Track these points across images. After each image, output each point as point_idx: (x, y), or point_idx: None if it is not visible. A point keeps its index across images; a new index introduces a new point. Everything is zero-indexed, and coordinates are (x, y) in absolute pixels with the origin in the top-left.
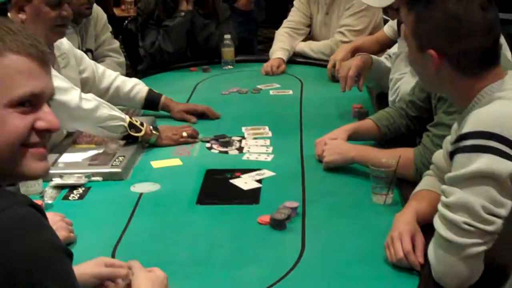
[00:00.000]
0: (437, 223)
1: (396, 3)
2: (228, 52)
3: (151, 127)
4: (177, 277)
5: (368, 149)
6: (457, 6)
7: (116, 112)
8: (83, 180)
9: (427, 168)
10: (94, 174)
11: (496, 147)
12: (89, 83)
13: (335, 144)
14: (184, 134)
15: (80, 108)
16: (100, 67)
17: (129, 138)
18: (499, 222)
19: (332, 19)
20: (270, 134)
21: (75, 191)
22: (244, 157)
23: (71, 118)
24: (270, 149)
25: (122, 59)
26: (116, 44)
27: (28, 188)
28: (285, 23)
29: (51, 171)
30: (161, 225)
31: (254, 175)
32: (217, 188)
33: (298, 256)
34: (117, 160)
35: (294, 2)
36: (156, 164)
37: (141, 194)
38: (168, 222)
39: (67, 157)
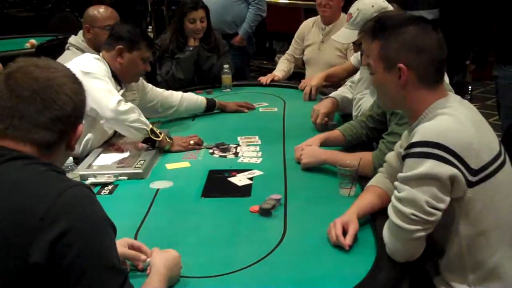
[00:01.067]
0: (390, 211)
1: (358, 40)
2: (226, 78)
3: (166, 137)
4: (186, 255)
5: (336, 153)
6: (416, 27)
7: (143, 118)
8: (112, 179)
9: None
10: (121, 174)
11: (439, 154)
12: (159, 106)
13: (310, 149)
14: (192, 142)
15: (117, 109)
16: (164, 91)
17: (149, 141)
18: (439, 214)
19: (325, 47)
20: (259, 142)
21: (105, 188)
22: (239, 160)
23: (107, 113)
24: (260, 154)
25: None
26: None
27: None
28: (286, 53)
29: (87, 172)
30: (173, 214)
31: (247, 174)
32: (217, 184)
33: (281, 237)
34: (139, 163)
35: (294, 39)
36: (169, 166)
37: (158, 189)
38: (179, 212)
39: (99, 161)
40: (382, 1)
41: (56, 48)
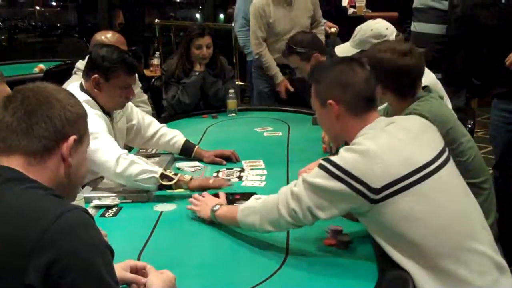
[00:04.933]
0: (281, 191)
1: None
2: (232, 103)
3: (185, 175)
4: (189, 277)
5: None
6: (341, 67)
7: (148, 167)
8: (116, 202)
9: None
10: (125, 197)
11: (334, 172)
12: (133, 130)
13: None
14: (211, 181)
15: (116, 171)
16: (148, 118)
17: (165, 187)
18: (315, 220)
19: (294, 11)
20: (263, 166)
21: (110, 210)
22: (243, 184)
23: (110, 176)
24: (264, 177)
25: (149, 108)
26: (145, 97)
27: None
28: (256, 40)
29: (91, 194)
30: (176, 236)
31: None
32: None
33: (283, 259)
34: None
35: (254, 21)
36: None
37: (161, 212)
38: (182, 234)
39: (104, 184)
40: (384, 29)
41: (63, 73)
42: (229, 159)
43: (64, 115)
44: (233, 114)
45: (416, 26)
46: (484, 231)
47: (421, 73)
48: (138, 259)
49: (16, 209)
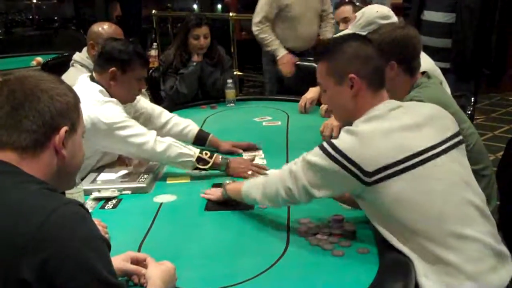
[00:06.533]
0: (283, 168)
1: None
2: (230, 93)
3: (220, 157)
4: (189, 268)
5: None
6: (356, 43)
7: (185, 150)
8: (116, 193)
9: None
10: (125, 189)
11: (330, 152)
12: (142, 119)
13: None
14: (249, 172)
15: (154, 150)
16: (158, 108)
17: (200, 169)
18: (309, 198)
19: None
20: (263, 156)
21: (109, 202)
22: None
23: (148, 157)
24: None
25: (147, 99)
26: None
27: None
28: (260, 22)
29: (91, 187)
30: (176, 227)
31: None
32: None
33: (284, 249)
34: (142, 177)
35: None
36: (169, 180)
37: (161, 203)
38: (182, 225)
39: (103, 176)
40: (387, 10)
41: (61, 65)
42: (246, 150)
43: (53, 106)
44: (231, 104)
45: (426, 15)
46: (484, 219)
47: (420, 43)
48: (139, 250)
49: (9, 205)
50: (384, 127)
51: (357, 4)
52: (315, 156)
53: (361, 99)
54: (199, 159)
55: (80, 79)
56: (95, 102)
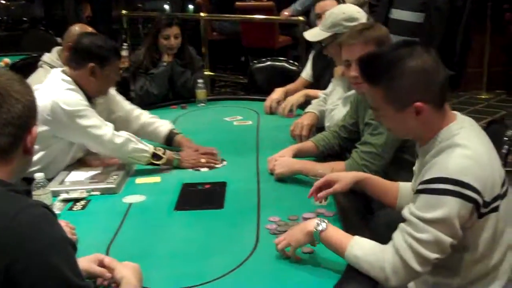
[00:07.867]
0: (404, 251)
1: (325, 40)
2: (201, 93)
3: (173, 153)
4: (158, 267)
5: (309, 163)
6: (414, 61)
7: (141, 145)
8: (84, 194)
9: None
10: (93, 190)
11: (461, 192)
12: (118, 121)
13: (283, 160)
14: (203, 160)
15: (112, 142)
16: (137, 110)
17: (154, 165)
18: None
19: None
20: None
21: (78, 203)
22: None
23: (105, 150)
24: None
25: None
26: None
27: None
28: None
29: (59, 188)
30: (146, 227)
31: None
32: (191, 197)
33: (253, 247)
34: (111, 178)
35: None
36: (139, 180)
37: (130, 204)
38: (152, 225)
39: (72, 177)
40: (356, 12)
41: (30, 67)
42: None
43: (28, 107)
44: (202, 104)
45: (394, 13)
46: None
47: (391, 42)
48: (107, 251)
49: None
50: (485, 147)
51: None
52: (444, 206)
53: (426, 120)
54: (154, 155)
55: (53, 72)
56: (57, 89)
